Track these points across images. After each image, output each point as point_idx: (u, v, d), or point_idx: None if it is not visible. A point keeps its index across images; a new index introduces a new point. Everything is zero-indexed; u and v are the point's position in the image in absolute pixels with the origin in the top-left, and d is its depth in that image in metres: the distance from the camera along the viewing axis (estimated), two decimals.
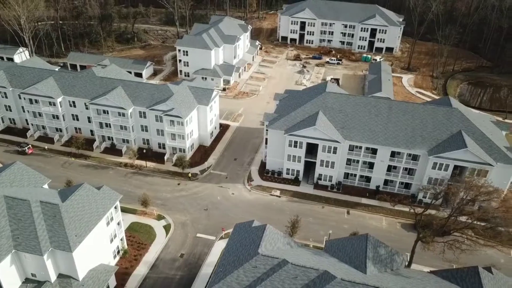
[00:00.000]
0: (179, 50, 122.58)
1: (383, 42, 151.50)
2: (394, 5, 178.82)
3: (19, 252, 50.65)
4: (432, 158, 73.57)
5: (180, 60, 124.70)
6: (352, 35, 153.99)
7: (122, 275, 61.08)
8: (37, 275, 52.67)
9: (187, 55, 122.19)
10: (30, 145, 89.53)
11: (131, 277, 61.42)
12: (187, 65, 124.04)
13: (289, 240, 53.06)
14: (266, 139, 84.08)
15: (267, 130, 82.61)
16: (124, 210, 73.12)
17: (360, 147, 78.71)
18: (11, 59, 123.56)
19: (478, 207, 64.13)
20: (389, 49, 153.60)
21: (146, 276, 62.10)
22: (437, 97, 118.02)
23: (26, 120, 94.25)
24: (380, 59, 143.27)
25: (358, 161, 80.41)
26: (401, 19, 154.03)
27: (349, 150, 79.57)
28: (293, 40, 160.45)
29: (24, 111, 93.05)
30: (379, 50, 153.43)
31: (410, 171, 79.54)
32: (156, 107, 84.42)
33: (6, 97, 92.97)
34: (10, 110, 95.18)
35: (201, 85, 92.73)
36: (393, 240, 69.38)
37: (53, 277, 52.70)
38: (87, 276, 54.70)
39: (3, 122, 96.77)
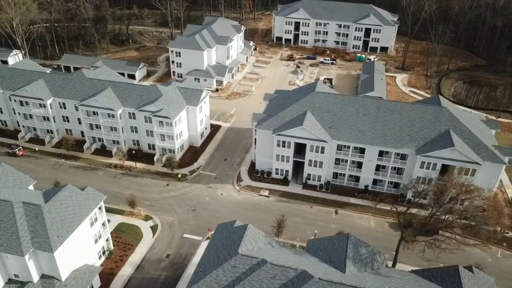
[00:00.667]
0: (172, 51, 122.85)
1: (378, 41, 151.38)
2: (390, 5, 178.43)
3: (1, 253, 50.83)
4: (420, 157, 73.45)
5: (173, 61, 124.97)
6: (347, 35, 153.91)
7: (107, 276, 61.22)
8: (20, 275, 52.86)
9: (179, 56, 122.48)
10: (20, 147, 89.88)
11: (116, 278, 61.54)
12: (180, 66, 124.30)
13: (270, 240, 53.04)
14: (255, 139, 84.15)
15: (255, 130, 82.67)
16: (112, 211, 73.68)
17: (348, 147, 78.63)
18: (5, 62, 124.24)
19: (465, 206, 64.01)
20: (384, 49, 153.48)
21: (131, 277, 62.24)
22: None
23: (18, 122, 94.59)
24: (374, 58, 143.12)
25: (346, 161, 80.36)
26: (395, 19, 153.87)
27: (337, 149, 79.47)
28: (287, 40, 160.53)
29: (15, 113, 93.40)
30: (373, 49, 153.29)
31: (398, 171, 79.41)
32: (145, 108, 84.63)
33: None
34: (1, 112, 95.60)
35: (190, 86, 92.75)
36: (380, 239, 69.44)
37: (35, 277, 52.88)
38: (70, 276, 54.83)
39: None
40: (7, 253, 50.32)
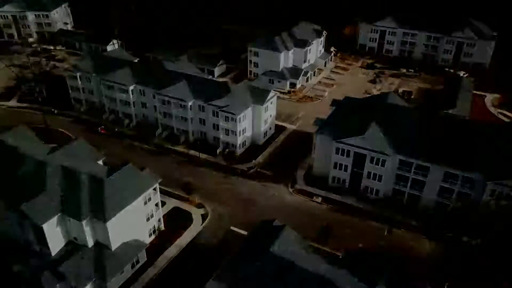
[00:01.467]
0: (250, 51, 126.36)
1: (471, 56, 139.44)
2: (492, 18, 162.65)
3: (64, 216, 57.36)
4: (490, 184, 66.70)
5: (250, 61, 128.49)
6: (436, 48, 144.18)
7: (154, 253, 65.56)
8: (78, 239, 59.11)
9: (257, 56, 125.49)
10: (103, 126, 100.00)
11: (161, 257, 65.59)
12: (257, 66, 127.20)
13: (305, 245, 52.53)
14: (315, 144, 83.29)
15: (315, 135, 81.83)
16: (169, 194, 78.55)
17: (411, 163, 74.18)
18: (105, 50, 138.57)
19: None
20: (478, 65, 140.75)
21: (175, 258, 65.85)
22: None
23: (104, 104, 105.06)
24: (463, 74, 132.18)
25: (408, 178, 75.92)
26: (495, 34, 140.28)
27: (399, 165, 75.45)
28: (371, 48, 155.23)
29: (103, 96, 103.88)
30: (465, 65, 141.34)
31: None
32: (213, 102, 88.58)
33: (90, 82, 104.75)
34: (92, 94, 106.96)
35: (260, 85, 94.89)
36: (432, 266, 64.44)
37: (90, 243, 58.74)
38: (119, 247, 59.87)
39: (86, 103, 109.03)
40: (69, 216, 56.67)
